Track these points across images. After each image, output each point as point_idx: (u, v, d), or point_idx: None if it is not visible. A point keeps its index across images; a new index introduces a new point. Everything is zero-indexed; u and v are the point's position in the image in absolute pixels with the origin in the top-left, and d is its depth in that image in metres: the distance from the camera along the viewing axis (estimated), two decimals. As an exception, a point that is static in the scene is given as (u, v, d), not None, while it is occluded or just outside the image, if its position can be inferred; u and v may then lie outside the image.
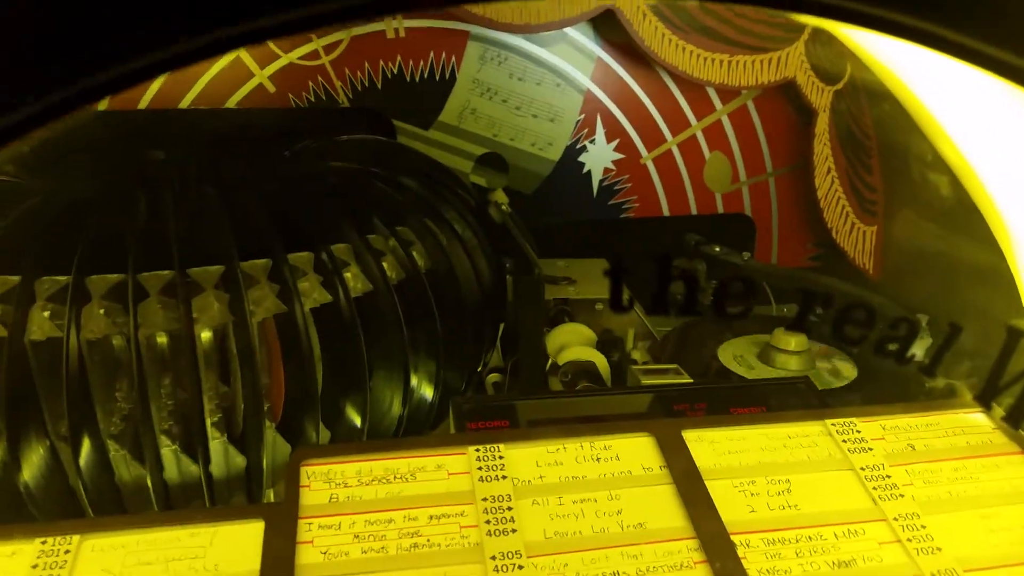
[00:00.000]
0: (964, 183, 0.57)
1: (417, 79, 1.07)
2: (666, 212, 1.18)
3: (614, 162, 1.14)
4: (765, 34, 1.05)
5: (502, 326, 0.88)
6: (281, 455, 0.62)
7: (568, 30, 1.08)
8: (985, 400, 0.56)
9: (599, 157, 1.15)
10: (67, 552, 0.49)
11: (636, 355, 0.96)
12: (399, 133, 1.08)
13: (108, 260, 0.56)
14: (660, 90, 1.12)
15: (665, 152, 1.15)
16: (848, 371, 0.87)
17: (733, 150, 1.16)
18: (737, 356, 0.91)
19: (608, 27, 1.08)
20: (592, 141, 1.14)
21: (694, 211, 1.18)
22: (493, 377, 0.89)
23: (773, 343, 0.89)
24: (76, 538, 0.50)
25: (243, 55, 0.99)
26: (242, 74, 1.00)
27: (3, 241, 0.55)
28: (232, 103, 1.00)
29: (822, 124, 1.08)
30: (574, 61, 1.10)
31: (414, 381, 0.71)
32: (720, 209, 1.19)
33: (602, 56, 1.11)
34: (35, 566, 0.48)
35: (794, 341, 0.88)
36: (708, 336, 0.95)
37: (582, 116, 1.12)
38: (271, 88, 1.01)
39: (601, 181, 1.15)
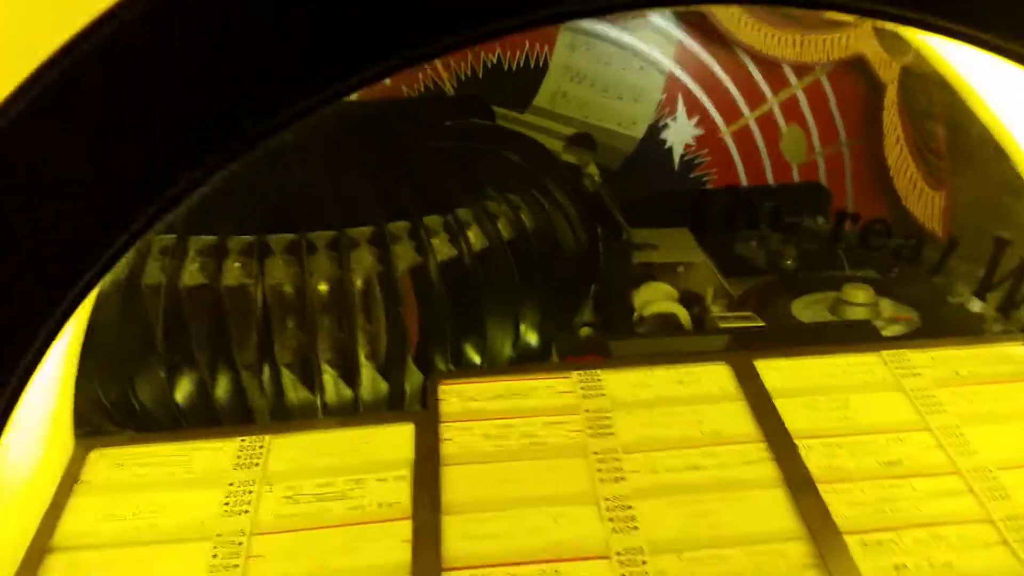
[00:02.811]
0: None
1: (514, 68, 1.19)
2: (744, 183, 1.26)
3: (694, 138, 1.24)
4: (834, 14, 1.13)
5: (594, 286, 1.00)
6: (415, 382, 0.75)
7: (651, 16, 1.18)
8: (980, 295, 0.65)
9: (680, 133, 1.24)
10: (261, 447, 0.63)
11: (715, 310, 1.06)
12: (498, 118, 1.20)
13: (284, 220, 0.71)
14: (737, 68, 1.21)
15: (743, 127, 1.24)
16: (911, 323, 0.95)
17: (808, 123, 1.24)
18: (809, 310, 1.00)
19: (687, 12, 1.17)
20: (673, 118, 1.23)
21: (771, 182, 1.27)
22: (585, 330, 1.01)
23: (842, 297, 0.98)
24: (268, 437, 0.64)
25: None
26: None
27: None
28: (353, 96, 1.13)
29: (890, 96, 1.15)
30: (656, 44, 1.20)
31: (522, 328, 0.83)
32: (796, 179, 1.27)
33: (682, 39, 1.20)
34: (238, 457, 0.63)
35: (862, 294, 0.97)
36: (782, 294, 1.05)
37: (664, 95, 1.22)
38: (387, 81, 1.14)
39: (682, 156, 1.25)
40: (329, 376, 0.73)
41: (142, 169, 0.35)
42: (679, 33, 1.20)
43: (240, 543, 0.56)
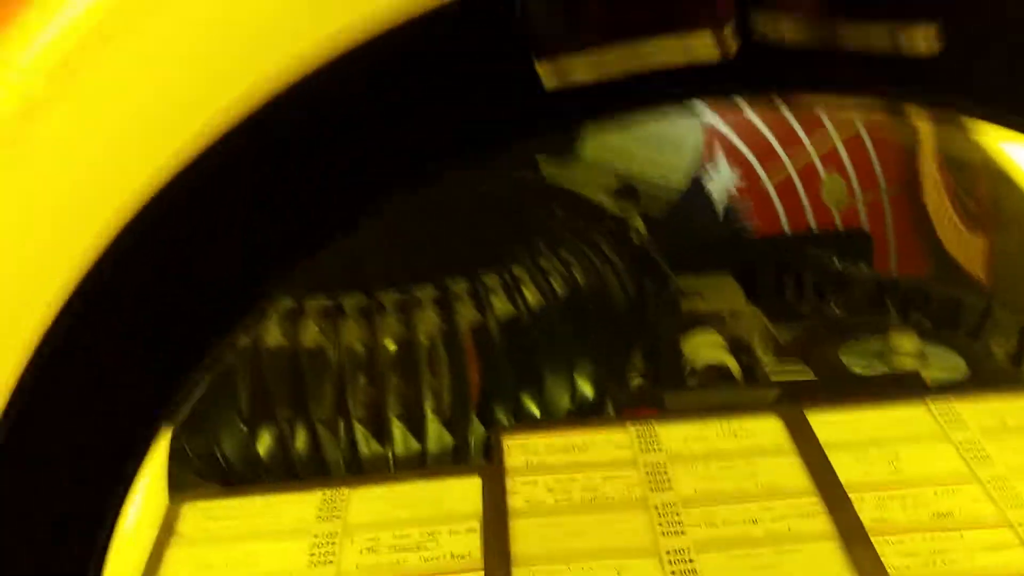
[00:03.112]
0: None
1: (560, 124, 1.24)
2: (787, 231, 1.29)
3: (737, 188, 1.27)
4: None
5: (644, 336, 1.03)
6: (479, 435, 0.79)
7: (691, 73, 1.22)
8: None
9: (722, 183, 1.28)
10: (341, 500, 0.68)
11: (764, 358, 1.08)
12: (541, 166, 1.25)
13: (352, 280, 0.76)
14: (777, 119, 1.25)
15: (785, 178, 1.27)
16: (959, 370, 0.97)
17: (848, 171, 1.27)
18: (857, 357, 1.02)
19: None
20: (716, 170, 1.27)
21: (814, 229, 1.30)
22: (637, 380, 1.04)
23: (889, 344, 1.00)
24: (346, 490, 0.68)
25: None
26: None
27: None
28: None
29: (927, 144, 1.18)
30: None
31: (578, 381, 0.87)
32: (839, 226, 1.29)
33: (723, 94, 1.24)
34: (320, 509, 0.67)
35: (908, 343, 0.99)
36: (828, 340, 1.07)
37: (705, 147, 1.26)
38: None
39: (724, 205, 1.28)
40: (398, 430, 0.77)
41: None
42: (719, 88, 1.24)
43: (325, 593, 0.60)
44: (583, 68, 0.41)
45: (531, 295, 0.82)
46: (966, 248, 1.17)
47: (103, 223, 0.40)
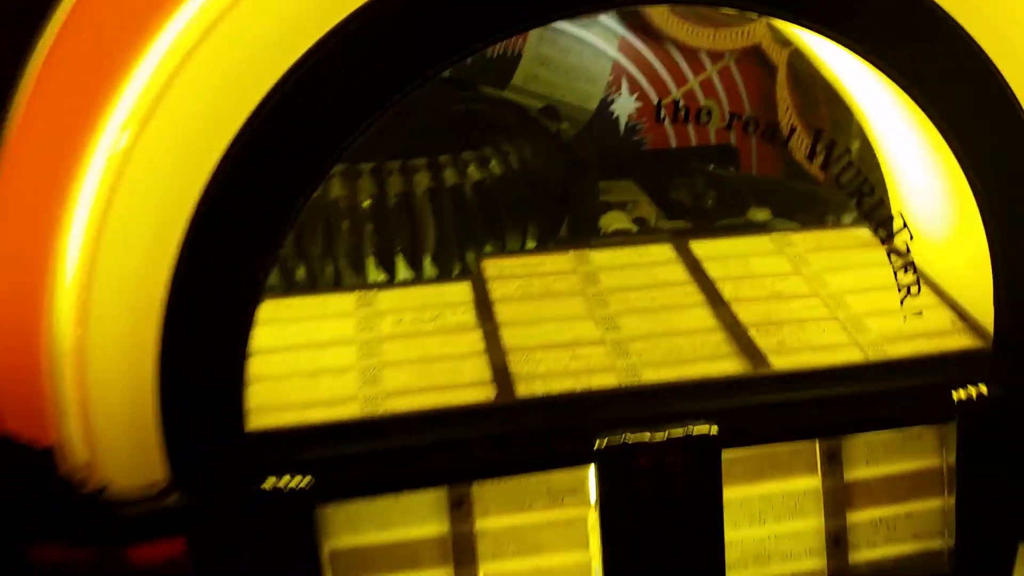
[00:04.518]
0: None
1: (495, 56, 1.52)
2: (673, 145, 1.63)
3: (635, 109, 1.59)
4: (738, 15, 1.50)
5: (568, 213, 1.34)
6: (457, 268, 1.08)
7: (600, 16, 1.53)
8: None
9: (624, 107, 1.59)
10: (373, 295, 0.95)
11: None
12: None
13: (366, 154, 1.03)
14: (666, 56, 1.57)
15: (671, 102, 1.60)
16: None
17: (721, 98, 1.61)
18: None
19: (628, 13, 1.53)
20: (618, 95, 1.58)
21: (694, 144, 1.63)
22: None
23: (747, 218, 1.35)
24: (376, 290, 0.96)
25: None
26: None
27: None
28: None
29: (781, 75, 1.53)
30: (605, 38, 1.55)
31: (528, 234, 1.17)
32: (712, 142, 1.64)
33: (624, 33, 1.56)
34: (357, 301, 0.94)
35: (760, 214, 1.34)
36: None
37: (611, 77, 1.57)
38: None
39: (626, 124, 1.60)
40: (401, 263, 1.05)
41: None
42: (621, 29, 1.56)
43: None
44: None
45: (496, 168, 1.11)
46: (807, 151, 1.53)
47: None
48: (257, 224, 0.70)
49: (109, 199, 0.67)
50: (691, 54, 1.58)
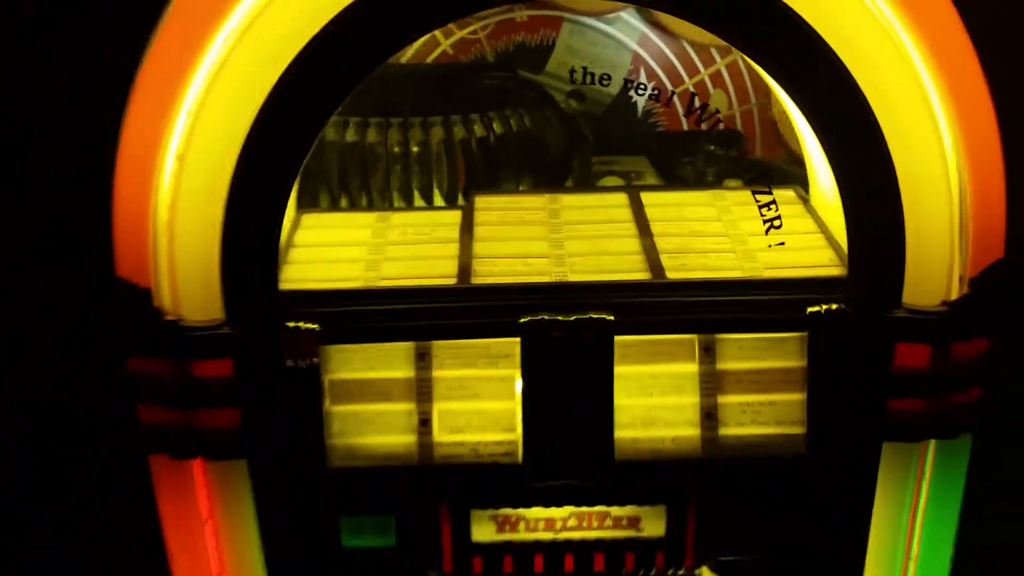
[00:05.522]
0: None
1: (534, 45, 1.82)
2: (685, 128, 1.88)
3: (651, 97, 1.85)
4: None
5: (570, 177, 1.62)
6: (462, 203, 1.39)
7: (622, 13, 1.80)
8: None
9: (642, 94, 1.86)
10: (387, 215, 1.27)
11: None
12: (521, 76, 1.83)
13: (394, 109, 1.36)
14: (680, 50, 1.83)
15: (684, 90, 1.85)
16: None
17: (729, 88, 1.85)
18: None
19: (648, 12, 1.79)
20: (639, 84, 1.85)
21: (704, 128, 1.88)
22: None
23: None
24: (390, 212, 1.28)
25: (436, 33, 1.77)
26: (433, 45, 1.78)
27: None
28: (429, 60, 1.78)
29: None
30: (627, 32, 1.82)
31: (521, 184, 1.46)
32: (721, 126, 1.87)
33: (644, 30, 1.82)
34: (376, 219, 1.26)
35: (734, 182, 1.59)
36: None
37: (632, 67, 1.84)
38: (450, 52, 1.78)
39: (643, 108, 1.87)
40: (417, 198, 1.37)
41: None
42: (642, 26, 1.83)
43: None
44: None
45: (498, 128, 1.41)
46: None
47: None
48: (292, 137, 1.02)
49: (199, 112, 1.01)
50: (702, 49, 1.83)
